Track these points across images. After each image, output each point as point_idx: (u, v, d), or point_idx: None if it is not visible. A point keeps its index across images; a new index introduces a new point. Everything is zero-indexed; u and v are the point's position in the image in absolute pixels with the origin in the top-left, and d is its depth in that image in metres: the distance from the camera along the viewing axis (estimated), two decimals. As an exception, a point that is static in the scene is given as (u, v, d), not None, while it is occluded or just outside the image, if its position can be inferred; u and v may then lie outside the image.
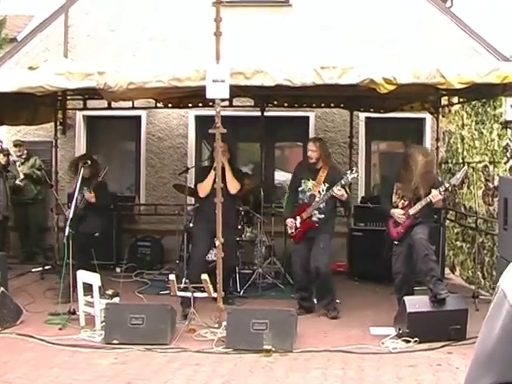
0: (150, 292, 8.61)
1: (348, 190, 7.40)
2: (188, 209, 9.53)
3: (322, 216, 7.35)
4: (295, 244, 7.62)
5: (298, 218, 7.41)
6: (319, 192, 7.34)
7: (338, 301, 8.20)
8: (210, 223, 7.24)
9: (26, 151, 10.87)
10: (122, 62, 9.98)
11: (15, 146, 10.88)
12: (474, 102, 9.26)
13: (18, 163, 10.82)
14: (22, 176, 10.74)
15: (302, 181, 7.49)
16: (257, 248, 9.20)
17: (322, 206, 7.33)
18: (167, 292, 7.63)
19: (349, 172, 7.28)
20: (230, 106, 9.51)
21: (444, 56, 9.52)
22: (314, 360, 5.89)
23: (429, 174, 6.96)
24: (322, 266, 7.16)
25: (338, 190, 7.09)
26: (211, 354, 6.04)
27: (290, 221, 7.47)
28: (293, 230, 7.46)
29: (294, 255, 7.71)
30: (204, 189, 7.80)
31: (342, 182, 7.13)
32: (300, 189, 7.49)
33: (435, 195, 6.74)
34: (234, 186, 7.74)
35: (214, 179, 7.33)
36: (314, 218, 7.35)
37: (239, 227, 9.02)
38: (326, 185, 7.31)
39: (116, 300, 7.26)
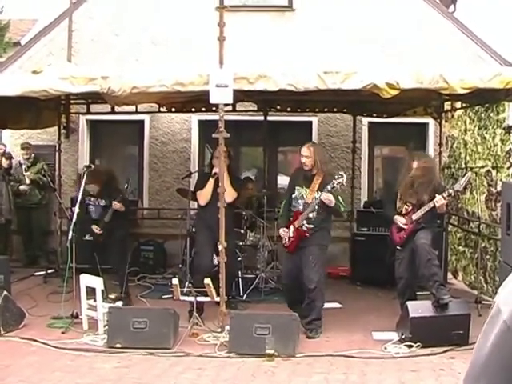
0: (152, 296, 8.61)
1: (339, 197, 6.96)
2: (191, 213, 9.54)
3: (312, 226, 6.96)
4: (286, 255, 7.30)
5: (291, 226, 7.06)
6: (315, 198, 6.96)
7: (340, 305, 8.23)
8: (211, 230, 7.24)
9: (33, 155, 10.85)
10: (125, 66, 9.99)
11: (23, 148, 10.87)
12: (476, 107, 9.27)
13: (24, 166, 10.79)
14: (28, 181, 10.72)
15: (296, 188, 7.14)
16: (259, 252, 9.20)
17: (311, 215, 6.95)
18: (170, 296, 7.64)
19: (336, 177, 6.81)
20: (234, 110, 9.52)
21: (447, 61, 9.53)
22: (317, 364, 5.89)
23: (427, 179, 6.95)
24: (311, 284, 6.81)
25: (324, 197, 6.77)
26: (214, 358, 6.05)
27: (282, 231, 7.15)
28: (286, 240, 7.11)
29: (283, 267, 7.59)
30: (204, 197, 7.72)
31: (328, 187, 6.75)
32: (293, 196, 7.16)
33: (439, 200, 6.72)
34: (230, 195, 7.44)
35: (214, 186, 7.32)
36: (303, 228, 6.99)
37: (242, 232, 9.03)
38: (319, 193, 6.92)
39: (119, 304, 7.27)
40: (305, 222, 6.95)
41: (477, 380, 1.25)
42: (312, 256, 6.87)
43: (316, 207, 6.93)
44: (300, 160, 7.16)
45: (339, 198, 6.95)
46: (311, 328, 6.84)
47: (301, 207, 7.04)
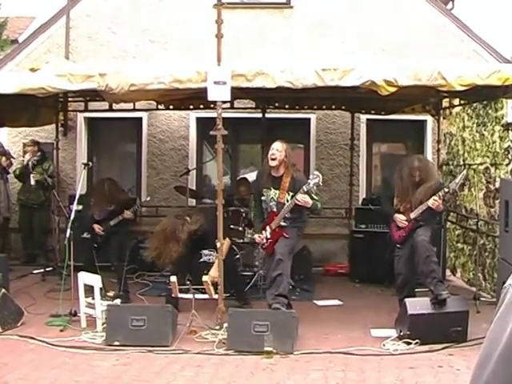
0: (151, 294, 8.60)
1: (315, 196, 6.90)
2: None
3: (285, 224, 6.99)
4: (267, 257, 7.25)
5: (267, 228, 7.05)
6: (287, 200, 6.92)
7: (338, 302, 8.23)
8: None
9: (39, 153, 10.76)
10: (123, 63, 9.99)
11: (30, 145, 10.79)
12: (475, 104, 9.25)
13: (30, 163, 10.69)
14: (33, 182, 10.66)
15: (264, 190, 7.09)
16: (257, 250, 9.19)
17: (287, 215, 6.95)
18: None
19: (311, 177, 6.79)
20: (231, 107, 9.51)
21: (445, 58, 9.51)
22: (315, 362, 5.89)
23: (431, 181, 6.95)
24: (278, 255, 6.77)
25: (301, 198, 6.73)
26: (212, 355, 6.04)
27: (257, 236, 7.16)
28: (264, 242, 7.08)
29: (265, 269, 7.56)
30: None
31: (305, 188, 6.70)
32: (263, 198, 7.13)
33: (432, 203, 6.75)
34: None
35: None
36: (281, 227, 6.99)
37: (240, 229, 9.02)
38: (291, 194, 6.90)
39: (117, 302, 7.26)
40: (281, 221, 7.00)
41: (503, 361, 1.23)
42: (280, 254, 6.83)
43: (291, 208, 6.90)
44: (268, 156, 7.05)
45: (313, 196, 6.90)
46: (276, 302, 6.70)
47: (274, 209, 7.04)
